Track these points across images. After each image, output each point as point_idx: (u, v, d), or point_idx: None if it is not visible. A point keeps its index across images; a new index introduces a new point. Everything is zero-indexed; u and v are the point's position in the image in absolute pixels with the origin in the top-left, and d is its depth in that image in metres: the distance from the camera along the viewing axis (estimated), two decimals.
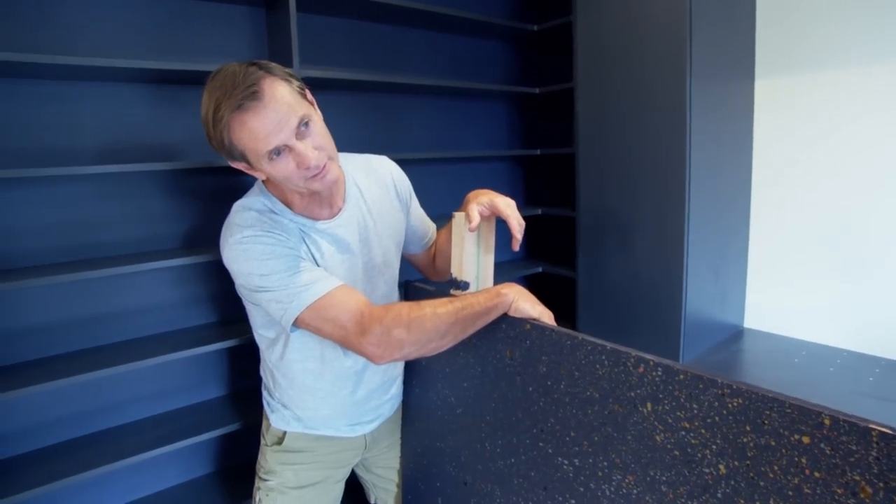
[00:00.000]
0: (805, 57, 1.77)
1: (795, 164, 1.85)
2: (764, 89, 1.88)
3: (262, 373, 1.22)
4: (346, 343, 0.97)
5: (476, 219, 1.00)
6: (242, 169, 0.98)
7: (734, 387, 0.66)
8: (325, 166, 0.95)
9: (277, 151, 0.91)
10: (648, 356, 0.75)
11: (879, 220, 1.69)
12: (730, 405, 0.66)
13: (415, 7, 1.80)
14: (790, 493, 0.62)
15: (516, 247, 1.02)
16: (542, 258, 2.45)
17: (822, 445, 0.59)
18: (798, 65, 1.79)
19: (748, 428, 0.65)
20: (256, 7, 1.69)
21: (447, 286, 1.09)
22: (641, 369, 0.75)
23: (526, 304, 0.95)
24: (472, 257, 1.09)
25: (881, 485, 0.56)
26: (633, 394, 0.77)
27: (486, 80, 2.32)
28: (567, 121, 2.11)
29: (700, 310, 1.82)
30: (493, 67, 2.36)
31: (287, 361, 1.11)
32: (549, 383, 0.90)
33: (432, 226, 1.32)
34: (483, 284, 1.09)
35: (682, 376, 0.71)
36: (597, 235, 1.97)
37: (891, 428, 0.55)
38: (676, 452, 0.72)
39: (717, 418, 0.68)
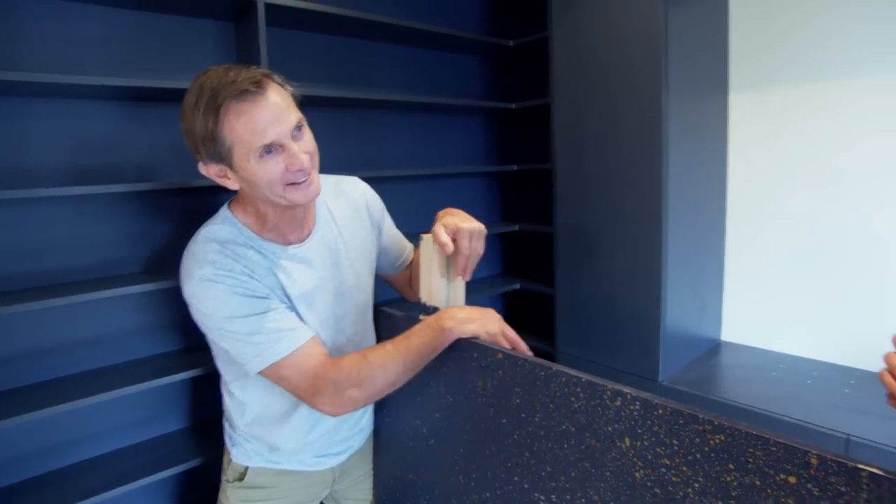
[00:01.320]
0: (779, 71, 1.78)
1: (770, 178, 1.85)
2: (738, 103, 1.89)
3: (224, 404, 1.15)
4: (302, 399, 0.97)
5: (449, 243, 0.96)
6: (213, 176, 0.92)
7: (716, 423, 0.62)
8: (311, 175, 0.92)
9: (270, 149, 0.87)
10: (626, 389, 0.71)
11: (855, 234, 1.70)
12: (711, 442, 0.62)
13: (387, 22, 1.77)
14: None
15: (464, 277, 1.01)
16: (520, 275, 2.42)
17: (809, 486, 0.55)
18: (772, 79, 1.80)
19: (731, 466, 0.61)
20: (224, 21, 1.64)
21: (417, 311, 1.06)
22: (618, 403, 0.71)
23: (471, 326, 0.94)
24: (441, 280, 1.05)
25: None
26: (610, 428, 0.73)
27: (463, 95, 2.29)
28: (544, 136, 2.10)
29: (678, 325, 1.80)
30: (470, 83, 2.34)
31: (250, 392, 1.05)
32: (523, 415, 0.86)
33: (408, 246, 1.28)
34: (455, 304, 1.05)
35: (660, 411, 0.67)
36: (575, 251, 1.94)
37: (882, 469, 0.52)
38: (657, 490, 0.68)
39: (698, 455, 0.64)
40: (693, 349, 1.92)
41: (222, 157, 0.88)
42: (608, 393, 0.73)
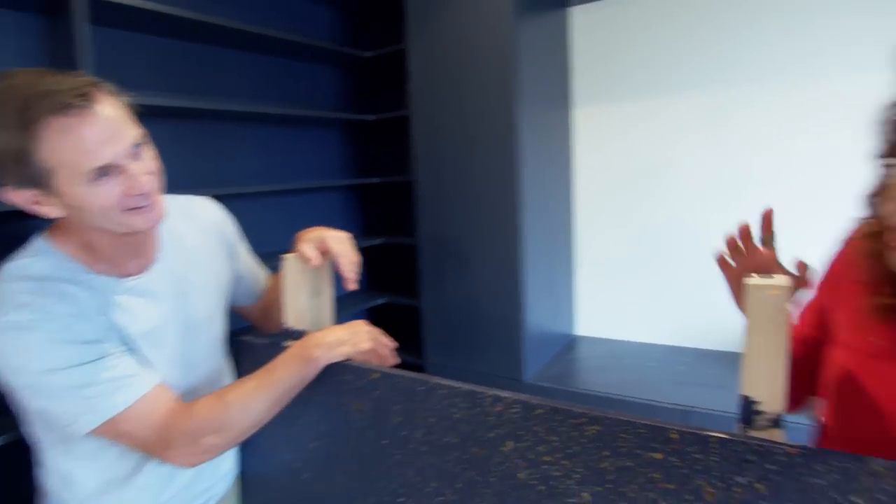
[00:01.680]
0: (615, 87, 2.00)
1: (610, 184, 2.06)
2: (581, 115, 2.08)
3: (42, 482, 0.95)
4: (151, 455, 0.85)
5: (316, 256, 0.91)
6: (21, 203, 0.76)
7: (590, 415, 0.65)
8: (153, 198, 0.80)
9: (104, 171, 0.74)
10: (504, 394, 0.72)
11: (678, 231, 1.95)
12: (587, 433, 0.65)
13: (229, 26, 1.64)
14: None
15: (351, 286, 0.96)
16: (385, 289, 2.40)
17: (671, 458, 0.60)
18: (609, 93, 2.01)
19: (606, 453, 0.64)
20: (31, 13, 1.38)
21: (282, 337, 0.98)
22: (499, 408, 0.72)
23: (342, 350, 0.89)
24: (307, 301, 0.99)
25: (721, 485, 0.58)
26: (492, 434, 0.73)
27: (319, 106, 2.22)
28: (404, 148, 2.11)
29: (538, 324, 1.91)
30: (327, 94, 2.28)
31: (79, 459, 0.88)
32: (403, 433, 0.83)
33: (263, 273, 1.19)
34: (322, 327, 1.00)
35: (539, 410, 0.69)
36: (438, 262, 1.97)
37: (727, 433, 0.58)
38: (542, 487, 0.70)
39: (577, 447, 0.66)
40: (552, 346, 2.05)
41: (37, 181, 0.73)
42: (488, 400, 0.73)
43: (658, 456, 0.61)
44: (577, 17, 2.00)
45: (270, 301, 1.14)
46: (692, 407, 1.57)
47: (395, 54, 2.05)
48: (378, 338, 0.96)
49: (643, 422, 0.62)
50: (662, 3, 1.86)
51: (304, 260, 0.92)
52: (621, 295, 2.10)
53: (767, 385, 0.58)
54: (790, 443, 0.55)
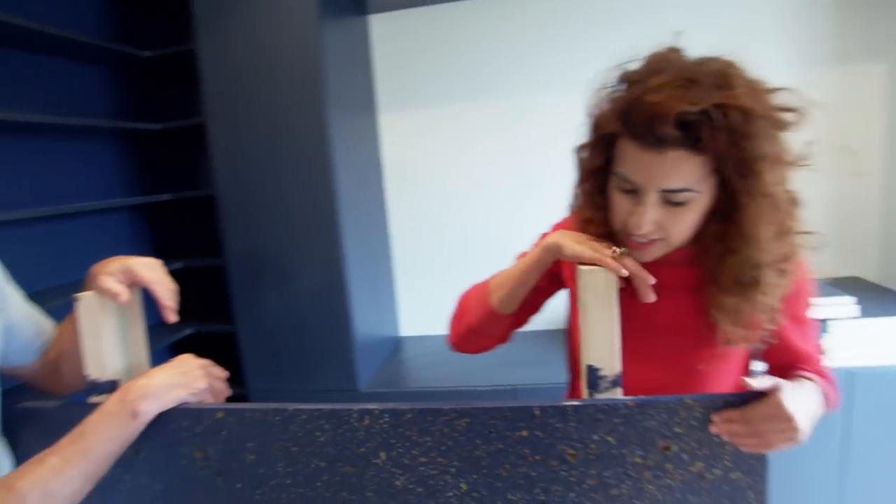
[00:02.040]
0: (418, 93, 2.07)
1: (420, 186, 2.14)
2: (387, 122, 2.11)
3: None
4: None
5: (123, 291, 0.77)
6: None
7: (459, 409, 0.68)
8: None
9: None
10: (372, 406, 0.71)
11: (489, 226, 2.12)
12: (458, 426, 0.68)
13: None
14: (521, 481, 0.67)
15: (171, 317, 0.85)
16: (191, 317, 2.14)
17: (536, 433, 0.66)
18: (413, 100, 2.08)
19: (479, 441, 0.68)
20: None
21: (85, 394, 0.81)
22: (367, 421, 0.71)
23: (175, 394, 0.77)
24: (114, 346, 0.84)
25: (580, 445, 0.66)
26: (363, 449, 0.71)
27: (89, 113, 1.87)
28: (200, 160, 1.90)
29: (366, 331, 1.91)
30: (97, 99, 1.92)
31: None
32: (261, 471, 0.76)
33: (47, 322, 0.96)
34: (138, 372, 0.85)
35: (409, 415, 0.69)
36: (252, 281, 1.84)
37: (579, 400, 0.66)
38: (420, 489, 0.70)
39: (450, 443, 0.69)
40: (381, 351, 2.07)
41: None
42: (355, 415, 0.71)
43: (525, 433, 0.67)
44: (377, 25, 2.04)
45: (61, 353, 0.93)
46: (519, 385, 1.73)
47: (183, 55, 1.83)
48: (211, 371, 0.86)
49: (509, 405, 0.67)
50: (455, 14, 2.00)
51: (110, 296, 0.78)
52: (439, 291, 2.21)
53: (605, 354, 0.67)
54: (629, 398, 0.65)
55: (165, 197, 1.97)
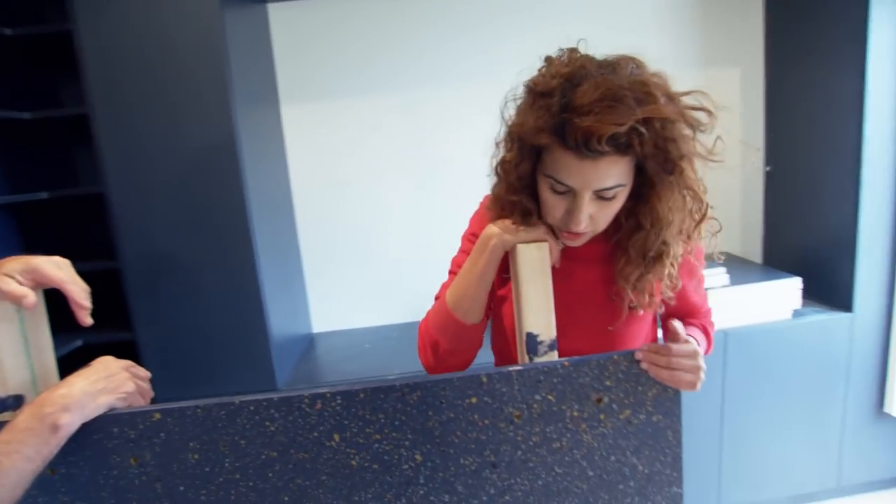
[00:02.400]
0: (319, 85, 2.03)
1: (325, 179, 2.11)
2: (289, 114, 2.05)
3: None
4: None
5: (29, 294, 0.71)
6: None
7: (411, 383, 0.71)
8: None
9: None
10: (323, 389, 0.71)
11: (395, 217, 2.14)
12: (411, 400, 0.71)
13: None
14: (472, 446, 0.72)
15: (87, 320, 0.80)
16: (80, 328, 1.94)
17: (485, 399, 0.71)
18: (315, 92, 2.03)
19: (431, 413, 0.71)
20: None
21: None
22: (319, 406, 0.71)
23: (101, 400, 0.72)
24: (17, 357, 0.77)
25: (524, 406, 0.72)
26: (315, 434, 0.72)
27: None
28: (85, 154, 1.72)
29: (281, 330, 1.86)
30: None
31: None
32: (207, 470, 0.74)
33: None
34: (47, 384, 0.79)
35: (362, 395, 0.71)
36: (154, 283, 1.71)
37: (522, 365, 0.72)
38: (375, 466, 0.72)
39: (403, 417, 0.71)
40: (296, 349, 2.03)
41: None
42: (306, 401, 0.71)
43: (474, 400, 0.72)
44: (275, 14, 1.98)
45: None
46: None
47: (58, 36, 1.63)
48: (137, 372, 0.82)
49: (457, 376, 0.71)
50: (353, 6, 1.99)
51: (12, 300, 0.71)
52: (350, 285, 2.20)
53: (542, 321, 0.74)
54: (565, 359, 0.72)
55: (41, 196, 1.76)
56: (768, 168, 2.14)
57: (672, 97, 0.70)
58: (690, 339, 0.73)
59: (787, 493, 1.96)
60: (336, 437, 0.72)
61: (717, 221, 0.81)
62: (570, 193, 0.73)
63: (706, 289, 1.70)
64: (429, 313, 0.92)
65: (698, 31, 2.10)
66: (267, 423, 0.72)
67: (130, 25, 1.55)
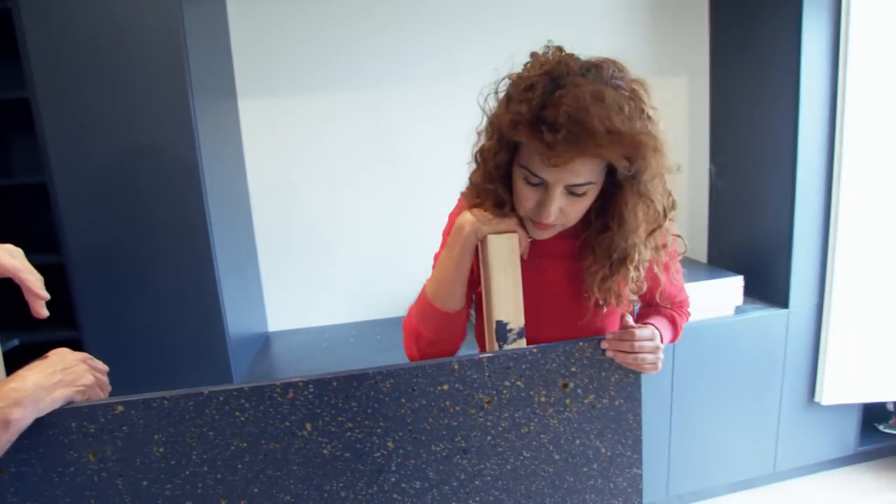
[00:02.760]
0: (277, 80, 1.99)
1: (283, 174, 2.07)
2: (246, 108, 2.00)
3: None
4: None
5: None
6: None
7: (384, 371, 0.72)
8: None
9: None
10: (296, 378, 0.71)
11: (355, 214, 2.13)
12: (384, 388, 0.72)
13: None
14: (444, 432, 0.74)
15: (42, 311, 0.77)
16: (17, 326, 1.83)
17: (456, 385, 0.73)
18: (272, 87, 1.99)
19: (403, 400, 0.72)
20: None
21: None
22: (291, 395, 0.71)
23: (58, 394, 0.69)
24: None
25: (494, 392, 0.74)
26: (287, 423, 0.72)
27: None
28: (24, 141, 1.62)
29: (239, 329, 1.82)
30: None
31: None
32: (173, 463, 0.72)
33: None
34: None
35: (335, 384, 0.71)
36: (103, 279, 1.64)
37: (492, 352, 0.74)
38: (347, 455, 0.73)
39: (375, 405, 0.72)
40: (252, 348, 1.99)
41: None
42: (278, 390, 0.71)
43: (445, 387, 0.73)
44: (233, 4, 1.93)
45: None
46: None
47: None
48: (94, 365, 0.79)
49: (430, 363, 0.73)
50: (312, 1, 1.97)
51: None
52: (305, 283, 2.17)
53: (511, 310, 0.76)
54: (533, 346, 0.75)
55: None
56: (713, 168, 2.26)
57: (643, 110, 0.73)
58: (648, 326, 0.77)
59: (728, 481, 2.08)
60: (308, 426, 0.72)
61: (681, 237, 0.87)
62: (543, 186, 0.75)
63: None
64: (411, 307, 0.92)
65: (649, 41, 2.20)
66: (237, 414, 0.71)
67: (80, 7, 1.48)
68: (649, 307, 0.99)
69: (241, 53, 1.98)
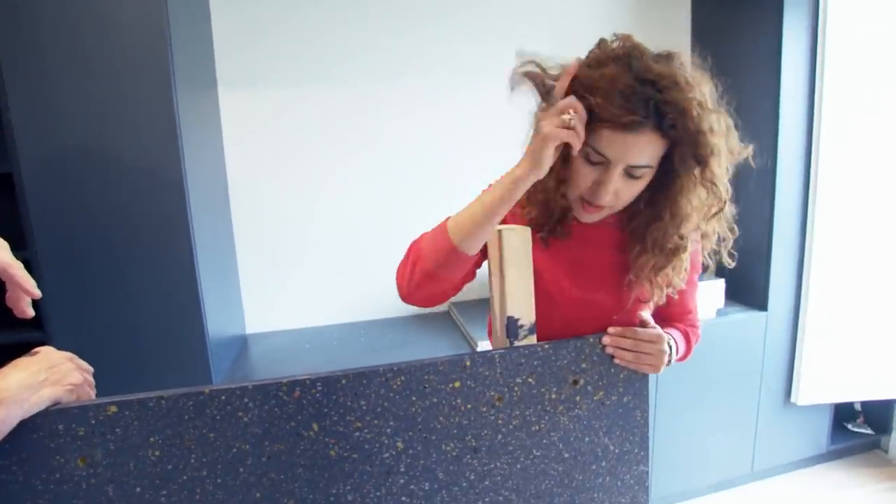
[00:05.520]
0: (262, 72, 1.94)
1: (263, 173, 2.02)
2: (227, 102, 1.94)
3: None
4: None
5: None
6: None
7: (395, 368, 0.69)
8: None
9: None
10: (303, 376, 0.68)
11: (339, 214, 2.09)
12: (394, 385, 0.70)
13: None
14: (455, 431, 0.72)
15: (28, 311, 0.72)
16: None
17: (468, 382, 0.71)
18: (256, 79, 1.94)
19: (414, 398, 0.70)
20: None
21: None
22: (297, 394, 0.68)
23: (45, 392, 0.65)
24: None
25: (506, 389, 0.73)
26: (293, 423, 0.69)
27: None
28: None
29: (218, 330, 1.76)
30: None
31: None
32: (169, 467, 0.68)
33: None
34: None
35: (343, 381, 0.69)
36: (73, 278, 1.56)
37: (507, 347, 0.73)
38: (355, 456, 0.70)
39: (385, 403, 0.70)
40: (231, 350, 1.93)
41: None
42: (284, 388, 0.68)
43: (457, 384, 0.71)
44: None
45: None
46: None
47: None
48: (80, 364, 0.74)
49: (441, 359, 0.71)
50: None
51: None
52: (283, 285, 2.12)
53: (523, 306, 0.75)
54: (544, 343, 0.74)
55: None
56: None
57: (709, 97, 0.75)
58: (657, 326, 0.77)
59: (709, 481, 2.11)
60: (315, 426, 0.69)
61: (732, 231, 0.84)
62: (603, 166, 0.74)
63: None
64: (424, 233, 0.84)
65: (630, 31, 2.23)
66: (240, 414, 0.68)
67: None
68: (663, 321, 0.97)
69: (224, 43, 1.92)
